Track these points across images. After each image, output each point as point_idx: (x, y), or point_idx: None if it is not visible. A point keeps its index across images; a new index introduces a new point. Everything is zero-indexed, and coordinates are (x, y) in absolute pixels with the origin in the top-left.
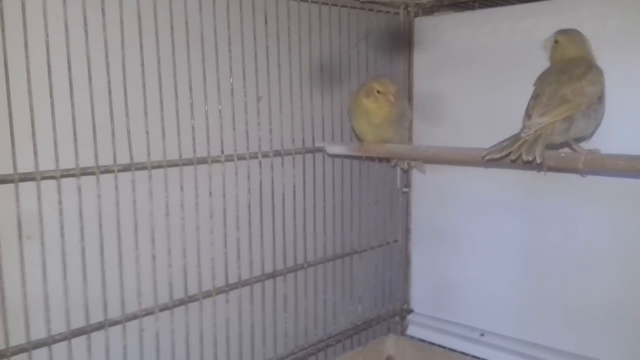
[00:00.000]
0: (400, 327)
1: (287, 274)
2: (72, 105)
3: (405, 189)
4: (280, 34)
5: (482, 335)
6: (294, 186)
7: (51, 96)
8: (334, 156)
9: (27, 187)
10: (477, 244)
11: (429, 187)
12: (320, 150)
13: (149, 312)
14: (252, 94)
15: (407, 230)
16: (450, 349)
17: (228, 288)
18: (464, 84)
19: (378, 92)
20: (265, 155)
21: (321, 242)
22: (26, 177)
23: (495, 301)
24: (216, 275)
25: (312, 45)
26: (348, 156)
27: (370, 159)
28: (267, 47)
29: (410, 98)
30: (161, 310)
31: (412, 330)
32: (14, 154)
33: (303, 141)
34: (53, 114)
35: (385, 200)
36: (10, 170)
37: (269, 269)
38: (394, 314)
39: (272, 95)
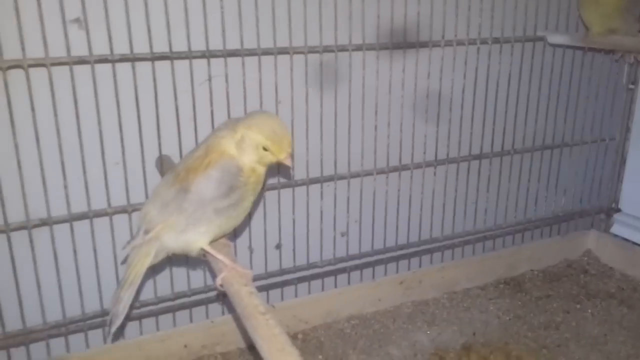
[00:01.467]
0: (605, 224)
1: (493, 157)
2: None
3: (631, 86)
4: None
5: None
6: (510, 74)
7: None
8: (555, 46)
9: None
10: None
11: None
12: (541, 39)
13: (368, 173)
14: None
15: (626, 129)
16: None
17: (437, 163)
18: None
19: None
20: (483, 42)
21: (531, 131)
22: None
23: None
24: (427, 150)
25: None
26: (570, 46)
27: (595, 50)
28: None
29: None
30: (378, 173)
31: (616, 229)
32: None
33: (524, 29)
34: None
35: (606, 96)
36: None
37: (476, 150)
38: (600, 211)
39: None
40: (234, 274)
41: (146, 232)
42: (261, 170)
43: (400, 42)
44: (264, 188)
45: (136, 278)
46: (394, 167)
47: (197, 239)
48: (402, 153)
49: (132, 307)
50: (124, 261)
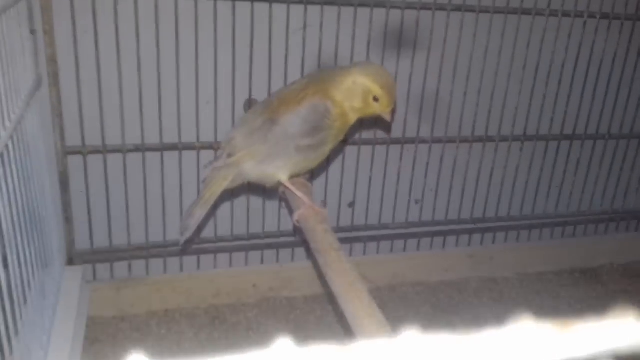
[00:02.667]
0: None
1: (585, 140)
2: None
3: None
4: None
5: None
6: (616, 53)
7: None
8: None
9: None
10: None
11: None
12: None
13: (451, 140)
14: None
15: None
16: None
17: (524, 138)
18: None
19: None
20: (591, 16)
21: (630, 117)
22: None
23: None
24: (516, 124)
25: None
26: None
27: None
28: None
29: None
30: (462, 141)
31: None
32: None
33: (636, 7)
34: None
35: None
36: None
37: (568, 130)
38: None
39: None
40: (311, 212)
41: (229, 156)
42: (353, 118)
43: (504, 7)
44: (346, 142)
45: (211, 197)
46: (479, 137)
47: (274, 172)
48: (489, 123)
49: (202, 239)
50: (204, 180)
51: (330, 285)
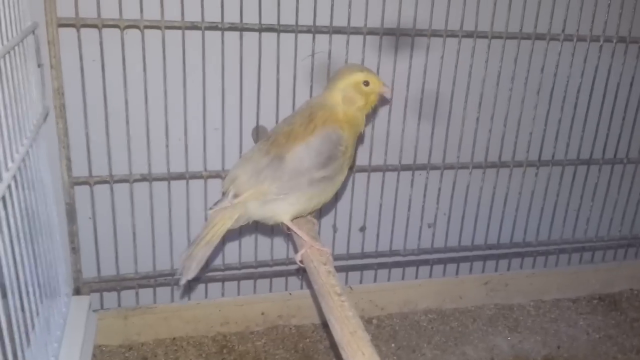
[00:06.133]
0: None
1: (603, 164)
2: None
3: None
4: None
5: None
6: (633, 77)
7: None
8: None
9: None
10: None
11: None
12: None
13: (464, 167)
14: None
15: None
16: None
17: (539, 164)
18: None
19: None
20: (608, 40)
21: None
22: None
23: None
24: (530, 149)
25: None
26: None
27: None
28: None
29: None
30: (475, 167)
31: None
32: None
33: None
34: None
35: None
36: None
37: (585, 155)
38: None
39: None
40: (314, 251)
41: (235, 196)
42: (362, 119)
43: (518, 33)
44: (353, 168)
45: (214, 238)
46: (492, 162)
47: (283, 211)
48: (503, 149)
49: (210, 268)
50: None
51: (332, 333)
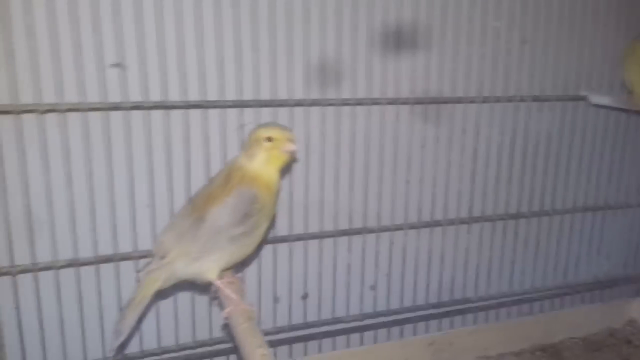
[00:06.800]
0: None
1: (530, 217)
2: None
3: None
4: None
5: None
6: (550, 132)
7: None
8: (597, 106)
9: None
10: None
11: None
12: (583, 98)
13: (398, 228)
14: (517, 37)
15: None
16: None
17: (471, 220)
18: None
19: None
20: (523, 100)
21: (571, 192)
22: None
23: None
24: (460, 207)
25: None
26: (614, 108)
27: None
28: None
29: None
30: (409, 228)
31: None
32: None
33: (565, 88)
34: None
35: None
36: None
37: (512, 209)
38: None
39: (537, 39)
40: (239, 310)
41: (162, 258)
42: (275, 178)
43: (437, 97)
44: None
45: (143, 299)
46: (426, 222)
47: (208, 268)
48: (434, 208)
49: (148, 352)
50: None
51: None
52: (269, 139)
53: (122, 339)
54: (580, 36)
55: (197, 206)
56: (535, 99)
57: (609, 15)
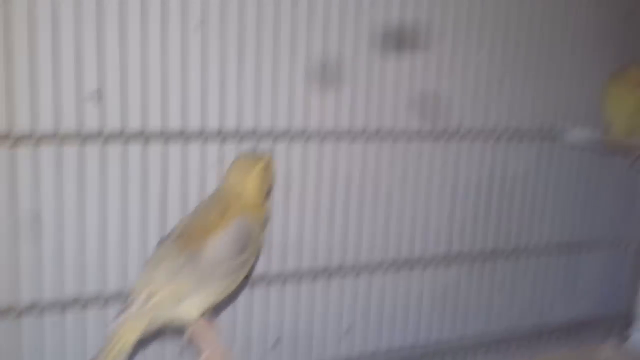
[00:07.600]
0: (624, 334)
1: (509, 255)
2: None
3: None
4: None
5: None
6: (523, 171)
7: None
8: (571, 143)
9: None
10: None
11: None
12: (558, 136)
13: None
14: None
15: None
16: None
17: (446, 262)
18: None
19: None
20: (499, 137)
21: (547, 228)
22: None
23: None
24: (441, 242)
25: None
26: (587, 146)
27: (614, 150)
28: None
29: None
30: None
31: (637, 340)
32: None
33: (540, 124)
34: None
35: (627, 200)
36: None
37: (488, 248)
38: (617, 320)
39: (517, 73)
40: (218, 354)
41: (148, 298)
42: (266, 205)
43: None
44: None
45: (123, 349)
46: (405, 259)
47: (194, 306)
48: (413, 245)
49: None
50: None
51: None
52: (264, 168)
53: None
54: (557, 72)
55: (192, 239)
56: (510, 135)
57: (586, 49)
